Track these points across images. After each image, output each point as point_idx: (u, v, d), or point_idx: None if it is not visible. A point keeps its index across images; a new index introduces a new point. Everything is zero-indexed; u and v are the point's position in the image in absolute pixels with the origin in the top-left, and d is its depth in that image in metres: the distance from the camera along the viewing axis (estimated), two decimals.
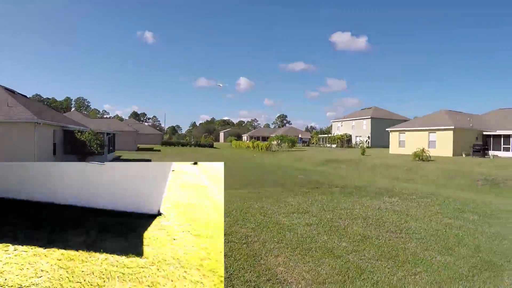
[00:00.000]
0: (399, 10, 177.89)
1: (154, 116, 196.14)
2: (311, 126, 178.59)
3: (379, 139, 65.09)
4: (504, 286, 6.11)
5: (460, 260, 7.34)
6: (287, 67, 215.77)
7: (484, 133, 43.51)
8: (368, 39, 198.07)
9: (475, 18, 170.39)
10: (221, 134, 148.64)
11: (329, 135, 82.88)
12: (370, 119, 70.87)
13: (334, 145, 73.53)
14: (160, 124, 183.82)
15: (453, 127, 40.47)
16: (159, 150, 60.56)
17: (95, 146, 31.54)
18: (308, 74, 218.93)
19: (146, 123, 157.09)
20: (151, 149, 63.02)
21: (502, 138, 41.91)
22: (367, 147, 59.06)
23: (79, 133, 31.38)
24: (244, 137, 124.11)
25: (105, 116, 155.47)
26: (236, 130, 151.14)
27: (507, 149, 40.94)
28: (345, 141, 73.46)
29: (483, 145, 41.32)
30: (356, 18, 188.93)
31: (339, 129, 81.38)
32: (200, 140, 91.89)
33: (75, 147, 30.83)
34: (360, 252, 7.45)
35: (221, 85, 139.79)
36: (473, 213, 12.56)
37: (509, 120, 46.04)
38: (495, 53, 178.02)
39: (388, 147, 50.34)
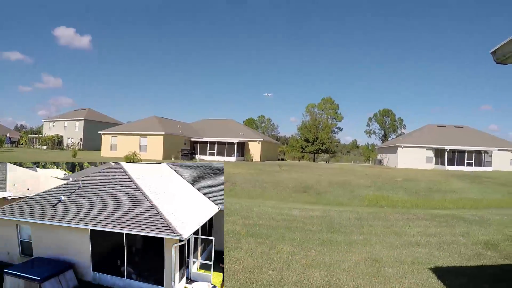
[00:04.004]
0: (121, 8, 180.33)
1: None
2: (21, 125, 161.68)
3: (92, 141, 65.51)
4: None
5: None
6: (2, 55, 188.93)
7: (192, 139, 50.29)
8: (92, 38, 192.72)
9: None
10: None
11: (40, 135, 78.61)
12: (83, 121, 71.03)
13: (45, 147, 70.27)
14: None
15: (163, 132, 45.36)
16: None
17: None
18: (23, 67, 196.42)
19: None
20: None
21: (208, 144, 49.60)
22: (79, 150, 58.66)
23: None
24: None
25: None
26: None
27: (212, 154, 48.74)
28: (57, 142, 71.21)
29: (190, 150, 47.89)
30: (81, 14, 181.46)
31: (51, 130, 77.92)
32: None
33: None
34: None
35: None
36: None
37: (213, 129, 54.94)
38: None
39: (101, 150, 51.49)
